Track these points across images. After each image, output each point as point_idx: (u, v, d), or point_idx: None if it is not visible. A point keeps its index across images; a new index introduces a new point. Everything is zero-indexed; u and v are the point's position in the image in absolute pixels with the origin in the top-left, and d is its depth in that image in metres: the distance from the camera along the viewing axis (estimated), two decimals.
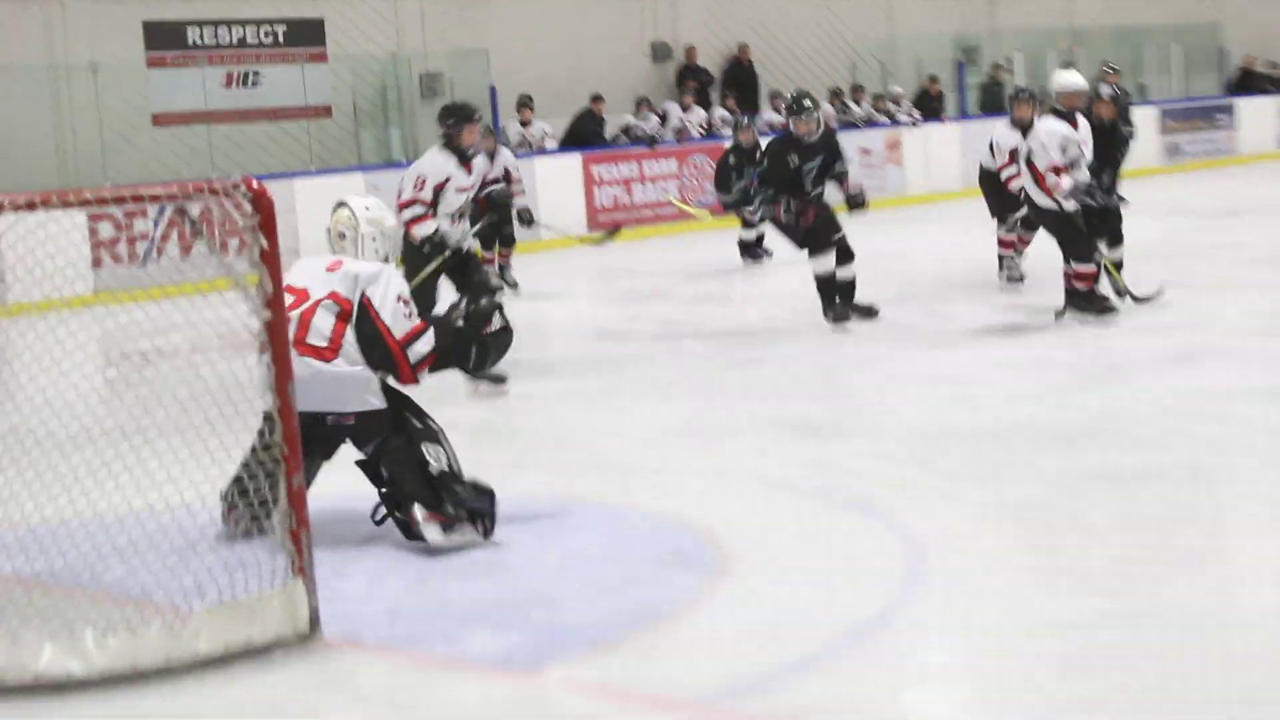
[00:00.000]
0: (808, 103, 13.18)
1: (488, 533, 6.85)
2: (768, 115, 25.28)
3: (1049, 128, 12.00)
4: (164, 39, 21.57)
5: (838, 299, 12.82)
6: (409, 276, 10.12)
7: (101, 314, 7.26)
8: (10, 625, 5.80)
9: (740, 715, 5.07)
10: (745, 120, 19.73)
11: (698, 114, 24.95)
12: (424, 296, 10.19)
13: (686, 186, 23.12)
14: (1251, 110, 29.48)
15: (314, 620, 5.84)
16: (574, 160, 22.83)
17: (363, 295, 6.82)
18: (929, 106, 26.78)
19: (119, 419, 6.29)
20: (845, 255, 13.10)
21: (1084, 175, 11.90)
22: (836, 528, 7.10)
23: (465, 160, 10.94)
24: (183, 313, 6.53)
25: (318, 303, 6.84)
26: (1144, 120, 23.17)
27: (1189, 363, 10.64)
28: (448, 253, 10.62)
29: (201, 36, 21.86)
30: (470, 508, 6.83)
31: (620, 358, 12.62)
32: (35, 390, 6.68)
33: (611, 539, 6.95)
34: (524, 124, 22.83)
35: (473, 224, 14.73)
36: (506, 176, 16.62)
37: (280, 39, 22.50)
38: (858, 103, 25.64)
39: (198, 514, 5.97)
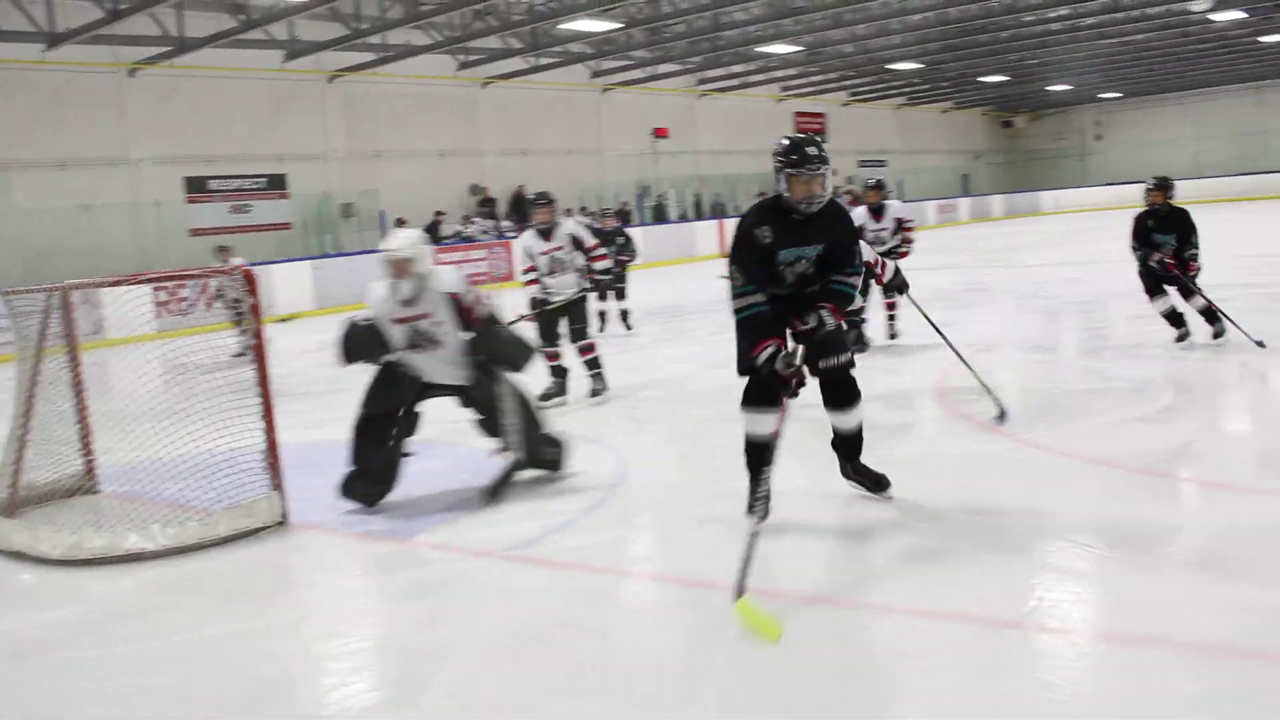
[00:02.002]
0: (811, 150, 4.97)
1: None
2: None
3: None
4: (197, 187, 20.94)
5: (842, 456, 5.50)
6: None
7: (160, 343, 6.99)
8: (110, 522, 5.67)
9: (525, 557, 5.05)
10: (609, 210, 16.76)
11: (494, 226, 24.72)
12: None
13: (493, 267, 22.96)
14: None
15: (285, 515, 5.74)
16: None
17: None
18: (624, 218, 26.88)
19: (171, 402, 6.07)
20: (843, 396, 5.29)
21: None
22: (578, 450, 7.09)
23: (544, 234, 8.76)
24: (206, 341, 6.34)
25: None
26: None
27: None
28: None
29: (218, 185, 21.27)
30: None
31: None
32: (123, 387, 6.46)
33: (454, 463, 6.87)
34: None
35: None
36: None
37: (263, 185, 21.94)
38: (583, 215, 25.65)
39: (217, 455, 5.77)
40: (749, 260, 5.03)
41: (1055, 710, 3.32)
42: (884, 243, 10.68)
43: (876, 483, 5.43)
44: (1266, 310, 10.75)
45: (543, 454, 6.35)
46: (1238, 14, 25.16)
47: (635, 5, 21.17)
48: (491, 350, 6.18)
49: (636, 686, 3.68)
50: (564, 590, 4.61)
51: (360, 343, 6.08)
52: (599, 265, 8.98)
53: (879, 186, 11.22)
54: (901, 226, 10.90)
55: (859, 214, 10.96)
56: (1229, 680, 3.42)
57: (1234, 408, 7.63)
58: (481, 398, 6.17)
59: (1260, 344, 8.73)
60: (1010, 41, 28.05)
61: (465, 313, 6.11)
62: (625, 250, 13.68)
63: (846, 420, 5.33)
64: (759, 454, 5.15)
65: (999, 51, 29.49)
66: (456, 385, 6.19)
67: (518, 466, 6.20)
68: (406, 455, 6.16)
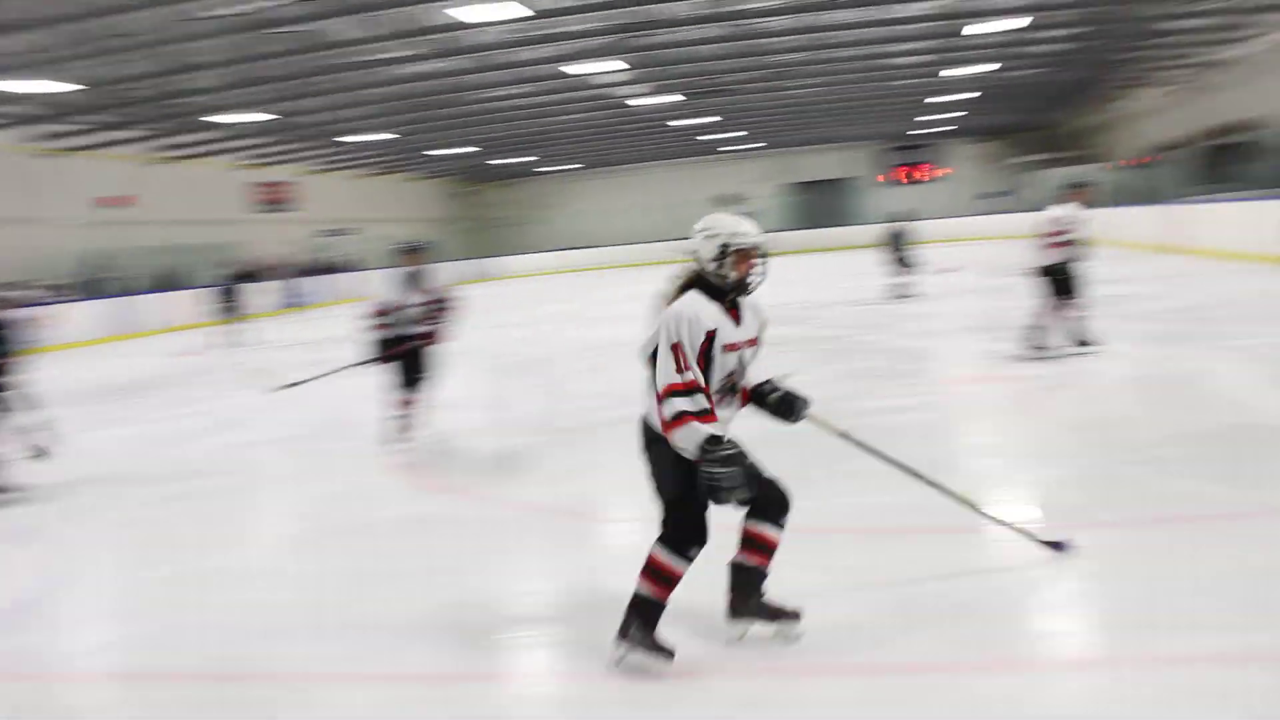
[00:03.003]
0: None
1: None
2: None
3: None
4: None
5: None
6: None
7: None
8: None
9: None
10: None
11: None
12: None
13: None
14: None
15: None
16: None
17: None
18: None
19: None
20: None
21: None
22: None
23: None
24: None
25: None
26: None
27: (230, 429, 10.33)
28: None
29: None
30: None
31: None
32: None
33: None
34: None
35: None
36: None
37: None
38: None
39: None
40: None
41: None
42: (415, 321, 8.29)
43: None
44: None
45: None
46: (658, 99, 27.69)
47: (90, 65, 19.48)
48: None
49: None
50: None
51: None
52: None
53: (415, 250, 8.42)
54: (440, 303, 8.44)
55: (393, 279, 8.39)
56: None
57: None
58: None
59: None
60: (471, 117, 29.02)
61: None
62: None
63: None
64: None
65: (464, 125, 30.39)
66: None
67: None
68: None
